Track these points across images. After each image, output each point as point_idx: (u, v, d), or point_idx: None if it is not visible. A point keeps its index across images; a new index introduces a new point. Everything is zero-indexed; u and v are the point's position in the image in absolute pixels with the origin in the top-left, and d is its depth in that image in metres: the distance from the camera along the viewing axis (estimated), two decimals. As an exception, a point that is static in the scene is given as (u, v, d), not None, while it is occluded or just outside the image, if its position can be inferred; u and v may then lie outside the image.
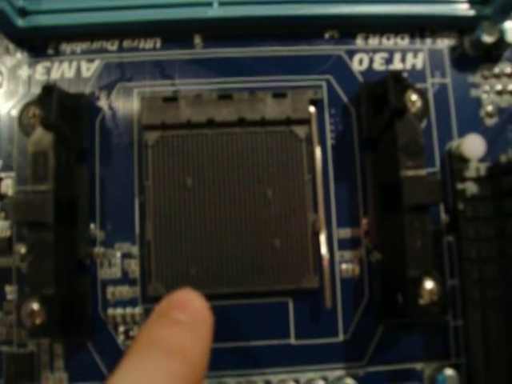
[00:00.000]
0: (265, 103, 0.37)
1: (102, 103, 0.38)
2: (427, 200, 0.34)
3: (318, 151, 0.37)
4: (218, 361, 0.36)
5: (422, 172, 0.35)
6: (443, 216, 0.38)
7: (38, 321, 0.34)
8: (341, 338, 0.37)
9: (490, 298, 0.36)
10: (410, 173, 0.34)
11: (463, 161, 0.37)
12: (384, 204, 0.37)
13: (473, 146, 0.37)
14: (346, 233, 0.37)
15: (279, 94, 0.37)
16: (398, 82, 0.36)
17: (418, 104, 0.37)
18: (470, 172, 0.37)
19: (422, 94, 0.37)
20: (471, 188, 0.37)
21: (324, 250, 0.36)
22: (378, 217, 0.37)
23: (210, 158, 0.37)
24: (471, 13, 0.39)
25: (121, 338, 0.36)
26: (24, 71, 0.39)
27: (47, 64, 0.39)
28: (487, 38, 0.38)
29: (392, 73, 0.36)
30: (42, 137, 0.35)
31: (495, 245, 0.36)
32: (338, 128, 0.38)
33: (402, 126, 0.35)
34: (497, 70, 0.40)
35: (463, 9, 0.39)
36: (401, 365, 0.37)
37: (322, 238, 0.36)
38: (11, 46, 0.39)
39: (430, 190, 0.34)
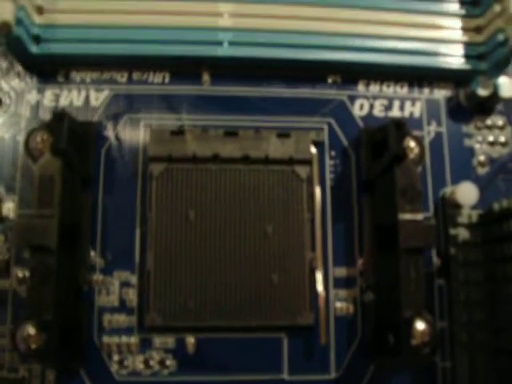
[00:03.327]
0: (269, 142, 0.39)
1: (109, 133, 0.40)
2: (422, 243, 0.36)
3: (318, 191, 0.39)
4: (211, 394, 0.37)
5: (419, 216, 0.37)
6: (435, 259, 0.40)
7: (33, 346, 0.34)
8: (333, 375, 0.38)
9: (478, 341, 0.38)
10: (407, 216, 0.36)
11: (456, 207, 0.40)
12: (379, 245, 0.39)
13: (466, 193, 0.39)
14: (341, 272, 0.39)
15: (283, 134, 0.39)
16: (398, 129, 0.38)
17: (416, 151, 0.39)
18: (463, 218, 0.39)
19: (419, 141, 0.39)
20: (463, 234, 0.39)
21: (320, 287, 0.38)
22: (374, 258, 0.39)
23: (213, 193, 0.38)
24: (467, 67, 0.42)
25: (115, 367, 0.37)
26: (33, 96, 0.40)
27: (56, 91, 0.40)
28: (482, 92, 0.41)
29: (393, 120, 0.38)
30: (49, 162, 0.36)
31: (484, 289, 0.38)
32: (337, 170, 0.40)
33: (400, 171, 0.37)
34: (489, 121, 0.42)
35: (460, 63, 0.42)
36: (391, 405, 0.38)
37: (319, 276, 0.38)
38: (22, 71, 0.40)
39: (426, 234, 0.36)
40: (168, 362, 0.37)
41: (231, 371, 0.37)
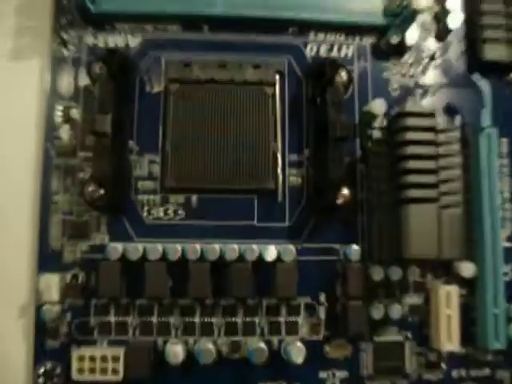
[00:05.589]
0: (247, 71, 0.61)
1: (141, 64, 0.62)
2: (345, 134, 0.58)
3: (279, 103, 0.61)
4: (205, 233, 0.60)
5: (343, 118, 0.59)
6: (358, 151, 0.62)
7: (94, 197, 0.57)
8: (287, 223, 0.61)
9: (383, 203, 0.60)
10: (335, 118, 0.59)
11: (372, 116, 0.62)
12: (319, 139, 0.61)
13: (378, 106, 0.61)
14: (294, 157, 0.61)
15: (257, 65, 0.62)
16: (331, 63, 0.61)
17: (345, 78, 0.61)
18: (376, 123, 0.61)
19: (348, 71, 0.61)
20: (376, 133, 0.61)
21: (279, 166, 0.60)
22: (316, 147, 0.61)
23: (211, 103, 0.60)
24: (386, 21, 0.63)
25: (145, 214, 0.60)
26: (90, 40, 0.62)
27: (106, 36, 0.62)
28: (394, 40, 0.63)
29: (329, 58, 0.61)
30: (105, 83, 0.58)
31: (389, 170, 0.60)
32: (293, 90, 0.63)
33: (332, 90, 0.60)
34: (402, 60, 0.64)
35: (381, 19, 0.64)
36: (325, 244, 0.61)
37: (279, 159, 0.60)
38: (82, 23, 0.63)
39: (346, 128, 0.59)
40: (179, 212, 0.60)
41: (219, 218, 0.60)
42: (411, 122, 0.58)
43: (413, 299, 0.61)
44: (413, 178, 0.57)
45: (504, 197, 0.65)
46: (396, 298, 0.61)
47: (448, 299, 0.60)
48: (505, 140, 0.65)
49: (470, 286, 0.62)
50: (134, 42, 0.63)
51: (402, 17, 0.63)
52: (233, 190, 0.60)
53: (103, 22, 0.63)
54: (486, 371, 0.62)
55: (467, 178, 0.62)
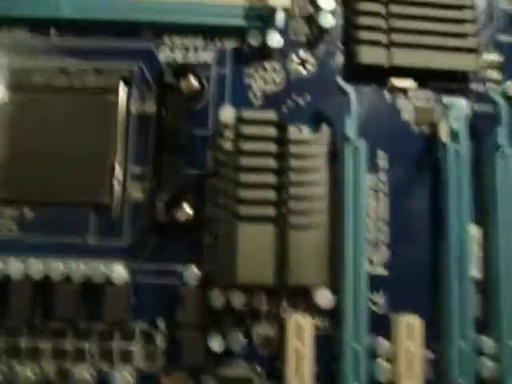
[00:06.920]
0: (89, 77, 0.59)
1: (-12, 71, 0.60)
2: (181, 143, 0.55)
3: (123, 112, 0.58)
4: (36, 250, 0.56)
5: (182, 126, 0.55)
6: (210, 164, 0.58)
7: None
8: (125, 241, 0.57)
9: (224, 221, 0.55)
10: (173, 127, 0.55)
11: (225, 126, 0.57)
12: (160, 150, 0.57)
13: (227, 113, 0.57)
14: (137, 169, 0.58)
15: (99, 71, 0.59)
16: (177, 70, 0.57)
17: (194, 84, 0.57)
18: (228, 134, 0.57)
19: (200, 78, 0.58)
20: (227, 144, 0.57)
21: (117, 179, 0.57)
22: (158, 158, 0.57)
23: (49, 112, 0.58)
24: (246, 24, 0.59)
25: None
26: None
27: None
28: (254, 43, 0.59)
29: (176, 63, 0.58)
30: None
31: (233, 186, 0.55)
32: (142, 97, 0.59)
33: (173, 97, 0.56)
34: (263, 65, 0.60)
35: (241, 21, 0.59)
36: (166, 265, 0.56)
37: (116, 172, 0.57)
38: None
39: (184, 137, 0.55)
40: (11, 226, 0.57)
41: (54, 231, 0.57)
42: (248, 130, 0.53)
43: (264, 330, 0.56)
44: (244, 194, 0.52)
45: (382, 217, 0.59)
46: (241, 328, 0.56)
47: (300, 331, 0.55)
48: (383, 154, 0.59)
49: (331, 317, 0.56)
50: (-10, 45, 0.61)
51: (264, 18, 0.59)
52: (67, 204, 0.57)
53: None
54: (350, 415, 0.56)
55: (335, 196, 0.57)
